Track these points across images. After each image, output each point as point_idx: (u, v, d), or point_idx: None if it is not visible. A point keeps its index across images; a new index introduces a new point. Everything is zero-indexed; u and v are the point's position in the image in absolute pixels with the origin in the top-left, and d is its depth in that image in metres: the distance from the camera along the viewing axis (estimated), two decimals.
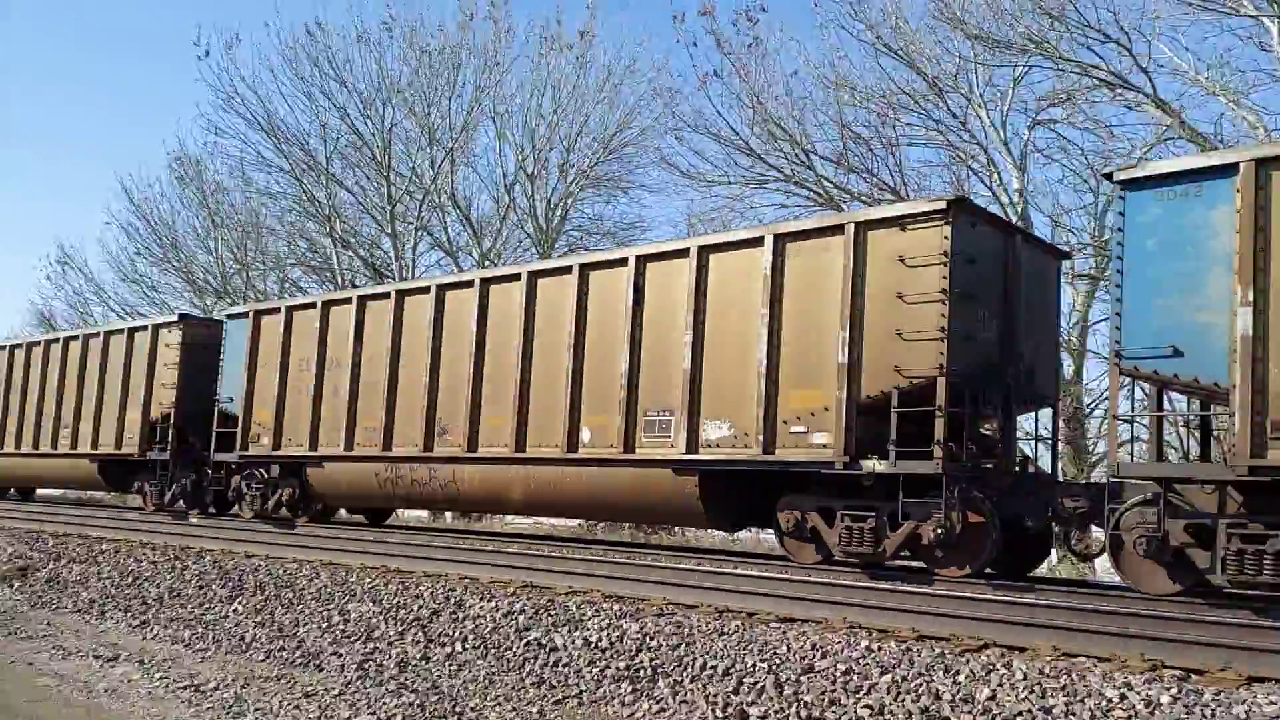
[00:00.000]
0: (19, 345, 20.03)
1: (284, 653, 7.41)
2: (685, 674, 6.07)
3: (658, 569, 8.99)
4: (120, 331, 17.39)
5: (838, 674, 5.73)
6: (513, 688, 6.31)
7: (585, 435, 10.60)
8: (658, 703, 5.79)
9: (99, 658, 7.40)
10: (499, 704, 5.92)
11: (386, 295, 13.10)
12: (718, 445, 9.62)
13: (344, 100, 27.17)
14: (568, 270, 11.03)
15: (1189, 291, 7.16)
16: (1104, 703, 4.93)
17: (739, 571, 8.60)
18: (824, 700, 5.48)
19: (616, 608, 7.33)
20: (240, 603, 8.82)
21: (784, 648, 6.21)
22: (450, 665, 6.83)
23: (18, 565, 11.46)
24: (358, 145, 27.67)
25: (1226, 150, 7.40)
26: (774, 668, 5.94)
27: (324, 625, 7.89)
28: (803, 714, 5.36)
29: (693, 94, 43.62)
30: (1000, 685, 5.29)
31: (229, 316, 15.84)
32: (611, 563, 9.46)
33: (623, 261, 10.56)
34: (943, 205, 8.33)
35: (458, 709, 5.81)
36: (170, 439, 15.69)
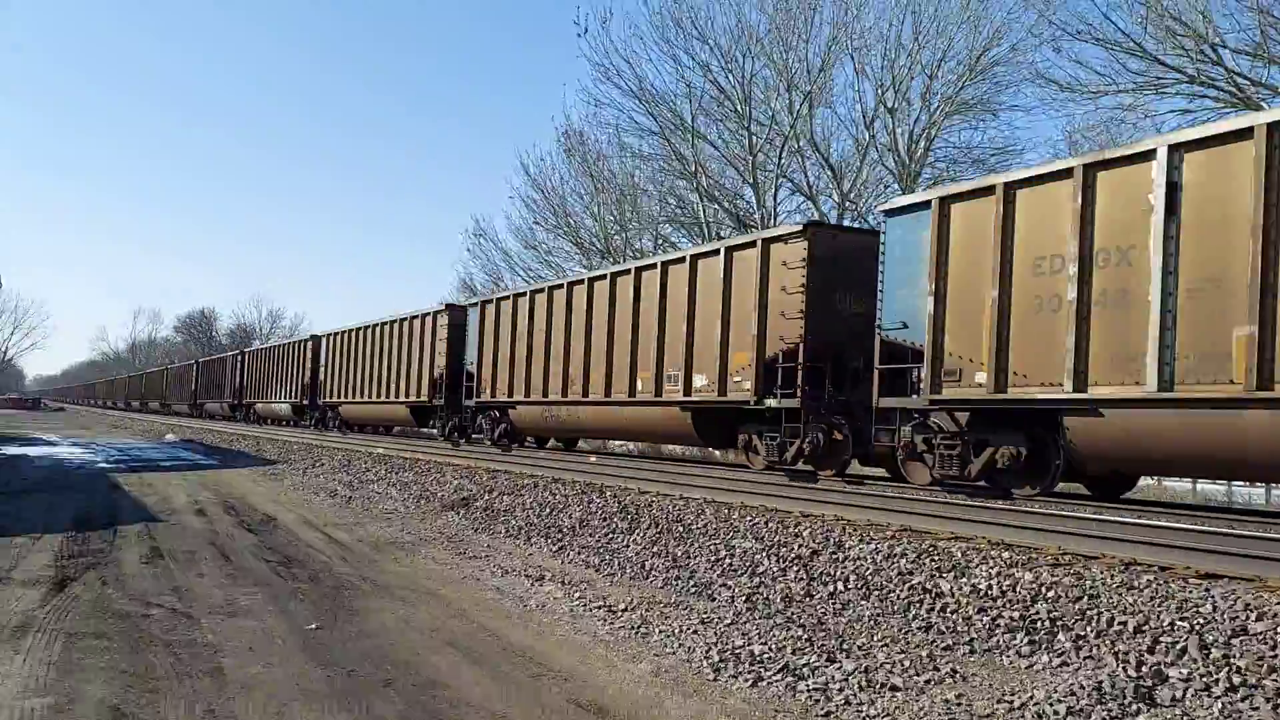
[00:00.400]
0: (365, 328, 29.30)
1: (679, 582, 8.03)
2: (1089, 628, 5.62)
3: (1048, 516, 8.41)
4: (416, 317, 25.51)
5: (1279, 639, 4.97)
6: (898, 630, 6.28)
7: (639, 385, 15.78)
8: (1058, 656, 5.43)
9: (528, 577, 8.54)
10: (886, 645, 5.92)
11: (542, 290, 19.16)
12: (700, 391, 14.34)
13: (706, 57, 28.14)
14: (627, 273, 16.53)
15: (912, 285, 10.93)
16: None
17: (1143, 522, 7.87)
18: (1261, 666, 4.78)
19: (1005, 555, 6.96)
20: (638, 534, 9.69)
21: (1208, 606, 5.50)
22: (834, 604, 6.95)
23: (461, 496, 13.57)
24: (719, 100, 28.52)
25: (926, 191, 11.38)
26: (1197, 628, 5.29)
27: (712, 559, 8.42)
28: (1235, 680, 4.73)
29: None
30: None
31: (468, 306, 22.75)
32: (996, 509, 9.04)
33: (654, 266, 15.79)
34: (800, 228, 12.70)
35: (845, 646, 5.91)
36: (443, 391, 23.17)
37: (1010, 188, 9.95)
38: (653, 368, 15.28)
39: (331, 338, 32.55)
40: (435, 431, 24.29)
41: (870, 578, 7.16)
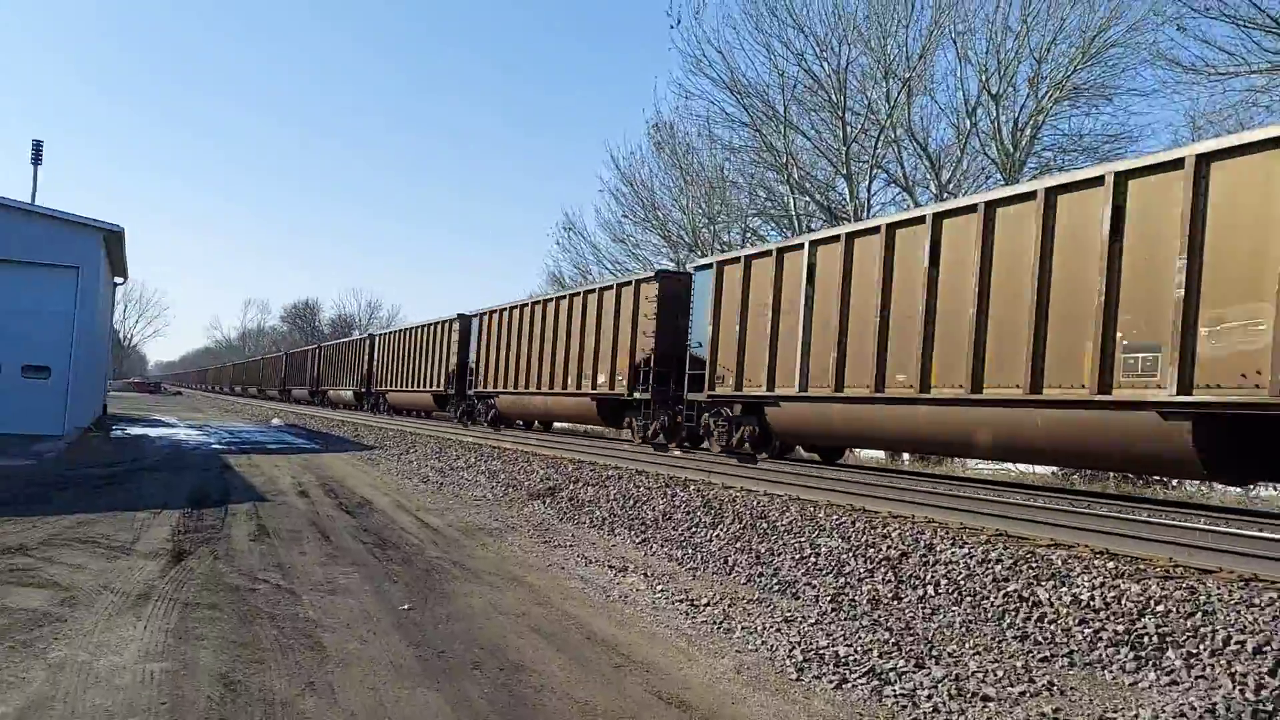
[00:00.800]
0: (405, 329, 35.59)
1: (762, 579, 7.92)
2: (1202, 646, 5.30)
3: (1159, 525, 7.98)
4: (438, 323, 30.70)
5: None
6: (992, 638, 6.05)
7: (569, 381, 21.14)
8: (1167, 674, 5.14)
9: (612, 568, 8.55)
10: (979, 653, 5.71)
11: (518, 307, 24.40)
12: (600, 386, 19.55)
13: (800, 46, 27.66)
14: (564, 298, 22.03)
15: (705, 316, 16.26)
16: None
17: (1266, 535, 7.39)
18: None
19: (1110, 565, 6.64)
20: (721, 530, 9.61)
21: None
22: (923, 608, 6.75)
23: (548, 486, 13.72)
24: (813, 89, 28.02)
25: (712, 257, 16.73)
26: None
27: (797, 557, 8.28)
28: None
29: None
30: None
31: (472, 316, 27.98)
32: (1100, 515, 8.63)
33: (579, 294, 21.31)
34: (654, 274, 18.44)
35: (934, 652, 5.72)
36: (454, 382, 28.94)
37: (749, 259, 15.36)
38: (576, 368, 20.87)
39: (382, 336, 39.14)
40: (450, 414, 30.09)
41: (962, 583, 6.92)
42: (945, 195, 25.60)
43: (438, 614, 6.62)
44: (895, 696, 5.07)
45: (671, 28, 30.99)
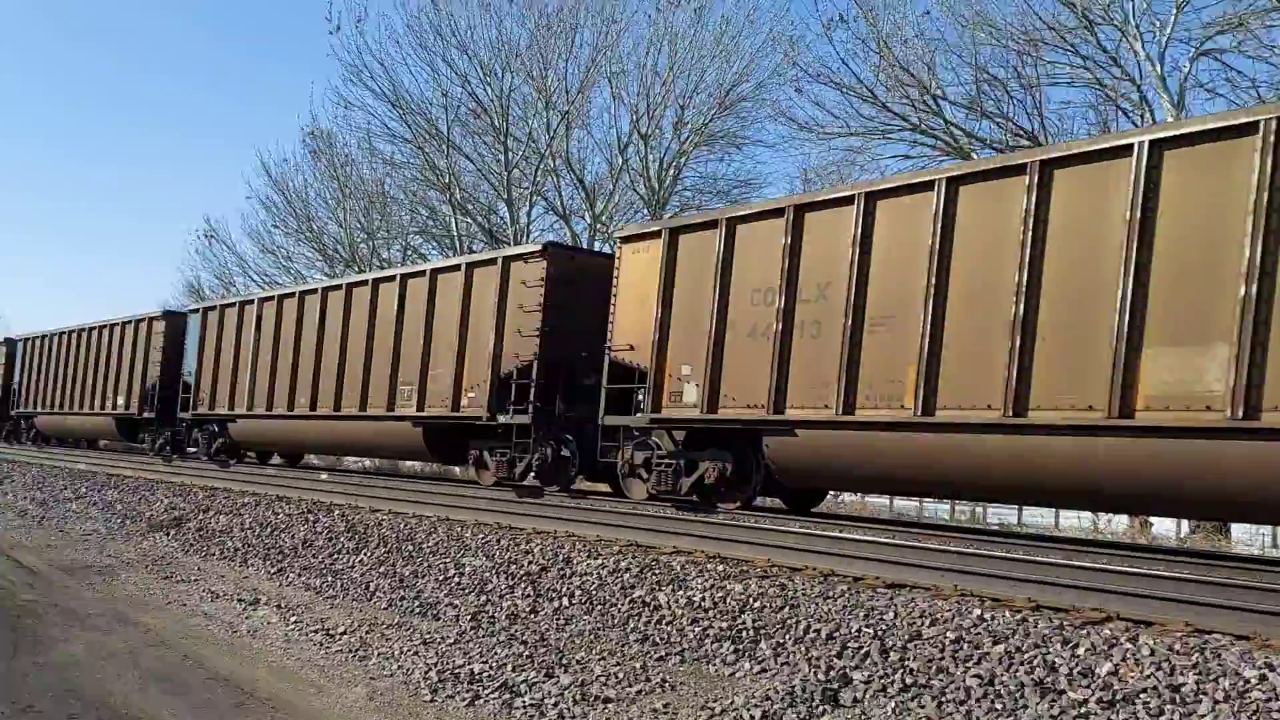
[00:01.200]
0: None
1: (404, 602, 7.84)
2: (788, 636, 6.12)
3: (762, 530, 9.04)
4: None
5: (946, 642, 5.63)
6: (617, 643, 6.51)
7: (96, 403, 24.11)
8: (759, 663, 5.86)
9: (242, 601, 8.00)
10: (603, 658, 6.11)
11: (64, 333, 26.28)
12: (119, 407, 22.78)
13: (465, 68, 27.67)
14: (94, 329, 24.65)
15: (194, 351, 20.08)
16: (1240, 683, 4.68)
17: (845, 535, 8.67)
18: (930, 668, 5.41)
19: (720, 568, 7.42)
20: (365, 554, 9.35)
21: (890, 614, 6.14)
22: (558, 619, 7.08)
23: (173, 515, 12.44)
24: (477, 113, 28.16)
25: (200, 304, 20.22)
26: (879, 633, 5.90)
27: (441, 577, 8.29)
28: (908, 680, 5.32)
29: (815, 42, 42.09)
30: (1124, 660, 5.09)
31: (18, 340, 29.76)
32: (715, 524, 9.59)
33: (118, 325, 23.55)
34: (161, 314, 21.91)
35: (564, 661, 6.04)
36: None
37: (223, 308, 19.33)
38: (101, 390, 23.91)
39: None
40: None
41: (595, 592, 7.37)
42: (598, 226, 27.07)
43: (27, 664, 5.80)
44: (525, 707, 5.28)
45: (331, 33, 29.41)
